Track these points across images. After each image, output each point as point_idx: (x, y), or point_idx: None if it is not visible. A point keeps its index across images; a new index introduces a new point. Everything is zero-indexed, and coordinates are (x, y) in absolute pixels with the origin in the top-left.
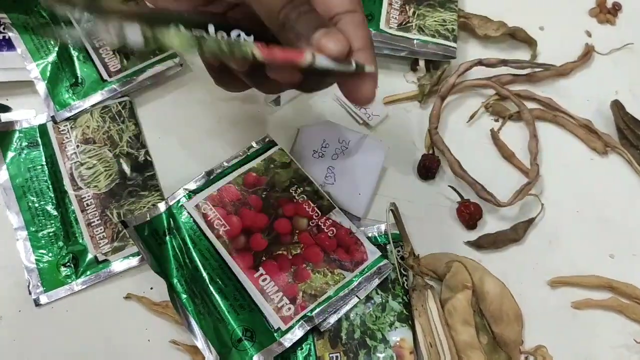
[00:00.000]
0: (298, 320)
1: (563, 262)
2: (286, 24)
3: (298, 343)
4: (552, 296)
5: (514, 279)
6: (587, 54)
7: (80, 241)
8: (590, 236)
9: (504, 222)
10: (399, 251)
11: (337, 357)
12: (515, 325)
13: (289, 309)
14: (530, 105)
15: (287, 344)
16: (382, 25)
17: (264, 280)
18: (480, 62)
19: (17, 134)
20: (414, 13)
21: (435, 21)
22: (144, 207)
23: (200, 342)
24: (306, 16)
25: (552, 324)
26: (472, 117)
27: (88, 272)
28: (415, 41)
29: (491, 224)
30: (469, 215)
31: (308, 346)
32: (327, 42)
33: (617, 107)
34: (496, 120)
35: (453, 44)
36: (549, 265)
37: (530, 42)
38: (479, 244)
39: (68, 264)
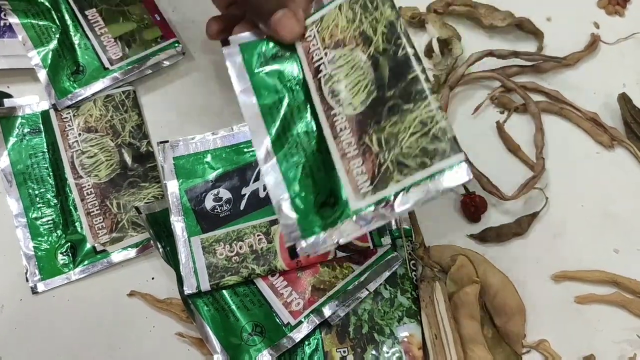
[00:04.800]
0: (307, 315)
1: (567, 256)
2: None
3: (306, 338)
4: (556, 290)
5: (517, 273)
6: (594, 43)
7: (79, 230)
8: (595, 231)
9: (508, 216)
10: (409, 244)
11: (344, 351)
12: (518, 318)
13: (298, 303)
14: (536, 97)
15: (297, 339)
16: None
17: (273, 275)
18: (491, 53)
19: (19, 120)
20: None
21: None
22: (144, 198)
23: (207, 338)
24: None
25: (555, 318)
26: (477, 108)
27: (86, 262)
28: None
29: (495, 217)
30: (474, 208)
31: (316, 341)
32: (284, 26)
33: (625, 100)
34: (501, 113)
35: None
36: (552, 259)
37: (537, 34)
38: (482, 237)
39: (66, 252)
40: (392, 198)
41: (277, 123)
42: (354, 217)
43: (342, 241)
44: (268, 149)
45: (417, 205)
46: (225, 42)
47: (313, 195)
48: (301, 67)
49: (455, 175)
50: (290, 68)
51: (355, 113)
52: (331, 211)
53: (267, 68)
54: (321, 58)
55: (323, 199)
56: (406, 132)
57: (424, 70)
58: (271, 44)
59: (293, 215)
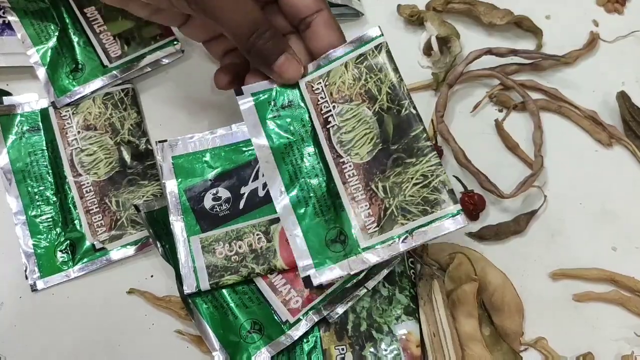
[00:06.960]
0: (306, 313)
1: (565, 254)
2: (251, 50)
3: (304, 335)
4: (554, 288)
5: (515, 271)
6: (593, 41)
7: (78, 228)
8: (593, 228)
9: (506, 214)
10: None
11: (343, 349)
12: (516, 316)
13: (297, 301)
14: (535, 95)
15: (295, 337)
16: None
17: (272, 273)
18: (490, 51)
19: (18, 118)
20: None
21: None
22: (143, 196)
23: (206, 335)
24: (270, 43)
25: (553, 316)
26: (476, 107)
27: (85, 260)
28: None
29: (493, 215)
30: (473, 206)
31: (314, 338)
32: (287, 69)
33: (623, 98)
34: (500, 111)
35: None
36: (550, 257)
37: (536, 32)
38: (480, 235)
39: (65, 250)
40: (397, 239)
41: (289, 167)
42: (364, 253)
43: (352, 273)
44: (281, 189)
45: (420, 244)
46: (239, 92)
47: (324, 232)
48: (309, 116)
49: (454, 222)
50: (300, 117)
51: (362, 162)
52: (341, 247)
53: (278, 116)
54: (329, 110)
55: (333, 237)
56: (409, 182)
57: (424, 130)
58: (281, 94)
59: (305, 248)
